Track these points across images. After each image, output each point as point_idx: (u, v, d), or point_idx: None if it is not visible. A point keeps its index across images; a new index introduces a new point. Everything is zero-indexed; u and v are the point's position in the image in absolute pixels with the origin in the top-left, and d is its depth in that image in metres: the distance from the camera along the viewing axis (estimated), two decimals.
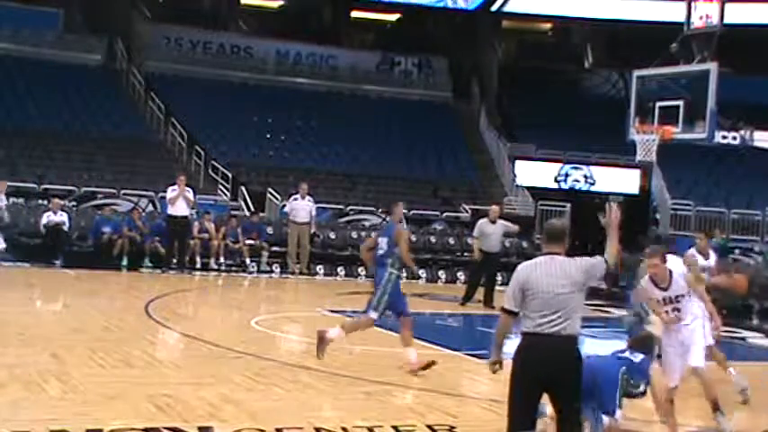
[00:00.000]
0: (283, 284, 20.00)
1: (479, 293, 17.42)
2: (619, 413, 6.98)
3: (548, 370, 5.71)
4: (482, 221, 17.51)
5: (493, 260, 17.43)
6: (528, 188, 28.21)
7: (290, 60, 32.62)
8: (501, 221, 17.73)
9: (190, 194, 19.84)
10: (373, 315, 9.98)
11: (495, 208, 18.16)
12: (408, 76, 33.90)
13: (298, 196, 21.22)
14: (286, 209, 21.65)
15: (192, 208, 20.27)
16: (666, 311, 8.05)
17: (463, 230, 24.58)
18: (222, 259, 20.84)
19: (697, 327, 8.19)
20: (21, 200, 21.50)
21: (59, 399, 7.58)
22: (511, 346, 5.99)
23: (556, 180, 30.33)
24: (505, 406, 8.24)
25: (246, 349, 10.47)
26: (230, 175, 25.30)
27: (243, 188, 24.78)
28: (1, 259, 19.02)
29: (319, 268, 21.26)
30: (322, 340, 9.80)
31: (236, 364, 9.74)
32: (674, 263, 8.66)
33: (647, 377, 7.17)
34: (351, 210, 25.00)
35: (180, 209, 19.63)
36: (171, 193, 19.68)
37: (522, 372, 5.78)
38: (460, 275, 22.48)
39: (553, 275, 5.77)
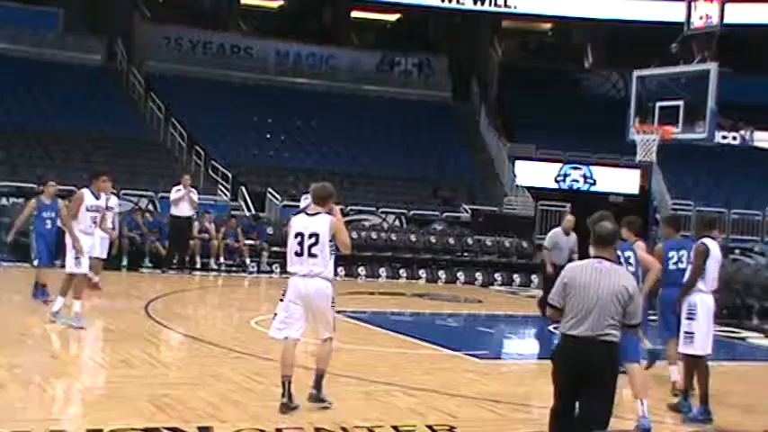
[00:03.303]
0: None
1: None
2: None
3: (581, 372, 5.72)
4: (556, 231, 15.49)
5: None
6: (528, 188, 28.22)
7: (290, 60, 32.61)
8: (573, 234, 15.31)
9: (194, 195, 19.81)
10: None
11: (570, 218, 15.66)
12: (408, 76, 33.88)
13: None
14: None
15: (195, 209, 20.20)
16: None
17: (463, 230, 24.61)
18: (222, 259, 20.84)
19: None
20: (21, 200, 21.47)
21: (59, 399, 7.58)
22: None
23: (556, 180, 30.32)
24: (505, 406, 8.27)
25: (246, 349, 10.47)
26: (230, 175, 25.30)
27: (243, 188, 24.78)
28: (1, 259, 19.03)
29: None
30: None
31: (236, 364, 9.73)
32: None
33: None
34: (351, 210, 24.99)
35: (184, 209, 19.63)
36: (175, 194, 19.64)
37: (558, 374, 5.87)
38: (460, 275, 22.50)
39: (594, 278, 5.80)
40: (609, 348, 5.75)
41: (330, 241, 7.55)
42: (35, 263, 13.56)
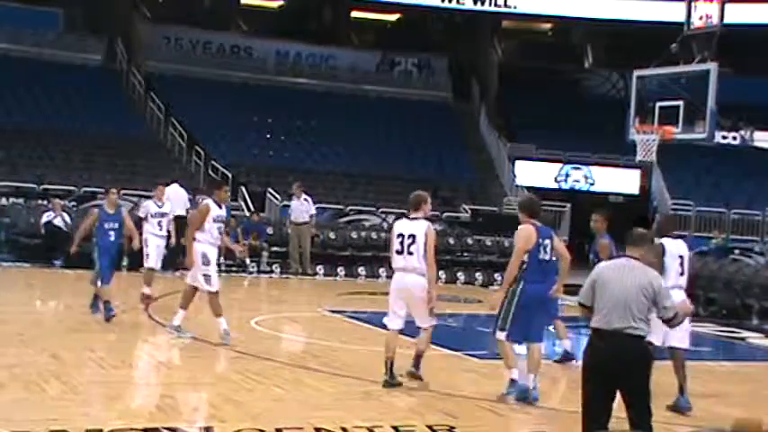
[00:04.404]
0: (283, 284, 19.99)
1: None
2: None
3: (612, 367, 5.88)
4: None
5: None
6: (528, 188, 28.19)
7: (290, 60, 32.64)
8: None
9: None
10: None
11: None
12: (408, 76, 33.90)
13: (295, 197, 21.13)
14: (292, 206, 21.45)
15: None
16: None
17: (463, 230, 24.58)
18: (222, 259, 20.80)
19: None
20: (21, 200, 21.49)
21: (59, 399, 7.58)
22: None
23: (556, 180, 30.32)
24: (505, 406, 8.27)
25: (246, 349, 10.47)
26: (230, 175, 25.29)
27: (243, 188, 24.77)
28: (1, 259, 19.03)
29: (319, 268, 21.24)
30: None
31: (236, 364, 9.74)
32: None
33: None
34: (351, 210, 24.99)
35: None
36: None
37: (589, 369, 6.01)
38: (460, 275, 22.49)
39: (623, 275, 6.01)
40: (636, 342, 5.91)
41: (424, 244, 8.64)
42: (98, 283, 12.12)
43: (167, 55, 31.09)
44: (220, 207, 11.02)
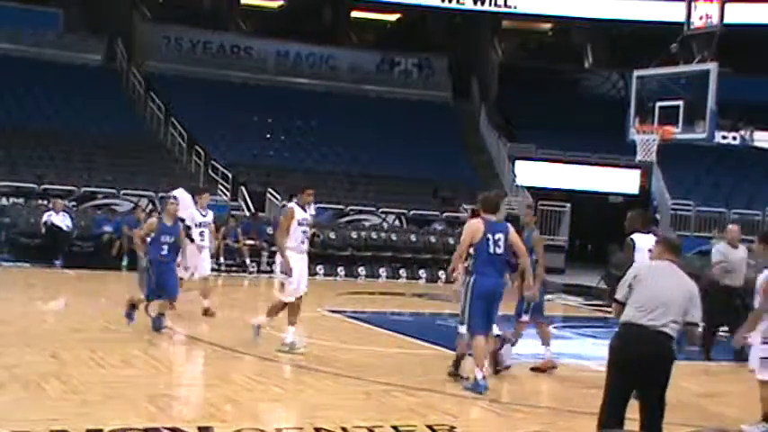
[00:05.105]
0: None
1: None
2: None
3: (637, 360, 5.98)
4: (722, 246, 12.85)
5: (738, 297, 12.43)
6: (528, 188, 28.21)
7: (290, 60, 32.65)
8: (743, 246, 12.96)
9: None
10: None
11: (733, 228, 13.20)
12: (408, 76, 33.91)
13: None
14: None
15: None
16: None
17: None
18: (222, 259, 20.83)
19: None
20: (21, 200, 21.50)
21: (59, 399, 7.58)
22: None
23: (556, 180, 30.30)
24: (505, 406, 8.27)
25: (247, 349, 10.47)
26: (230, 175, 25.31)
27: (243, 188, 24.78)
28: (1, 259, 19.03)
29: (319, 268, 21.23)
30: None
31: (237, 364, 9.74)
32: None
33: None
34: (351, 210, 25.00)
35: None
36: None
37: (614, 361, 6.10)
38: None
39: (665, 276, 6.16)
40: (664, 339, 6.01)
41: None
42: (142, 295, 11.65)
43: (167, 55, 31.10)
44: (305, 210, 10.67)
